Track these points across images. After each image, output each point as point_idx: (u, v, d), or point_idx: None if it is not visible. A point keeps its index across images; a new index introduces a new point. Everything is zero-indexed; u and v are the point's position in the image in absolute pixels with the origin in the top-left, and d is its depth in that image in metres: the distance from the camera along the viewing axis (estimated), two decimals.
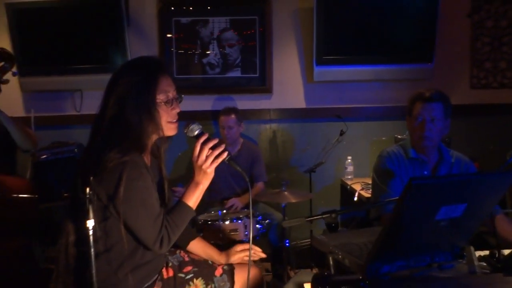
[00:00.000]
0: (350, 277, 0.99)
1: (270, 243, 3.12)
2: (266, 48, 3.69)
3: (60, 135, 3.56)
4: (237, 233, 2.75)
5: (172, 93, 1.56)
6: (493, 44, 3.76)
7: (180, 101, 1.61)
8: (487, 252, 1.37)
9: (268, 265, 3.16)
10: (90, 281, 1.24)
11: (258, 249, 1.86)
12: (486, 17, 3.75)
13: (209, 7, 3.67)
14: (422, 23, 3.49)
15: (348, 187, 3.40)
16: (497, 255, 1.30)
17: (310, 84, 3.75)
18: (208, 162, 1.50)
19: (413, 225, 1.11)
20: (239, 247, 1.82)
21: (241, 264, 1.78)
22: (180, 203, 1.55)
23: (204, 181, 1.55)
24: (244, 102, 3.72)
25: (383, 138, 3.74)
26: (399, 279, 1.15)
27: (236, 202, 3.14)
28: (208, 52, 3.71)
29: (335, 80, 3.66)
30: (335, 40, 3.52)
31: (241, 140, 3.45)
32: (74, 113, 3.71)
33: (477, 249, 1.33)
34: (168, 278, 1.59)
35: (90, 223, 1.22)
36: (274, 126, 3.83)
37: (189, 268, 1.66)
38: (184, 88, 3.77)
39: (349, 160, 3.60)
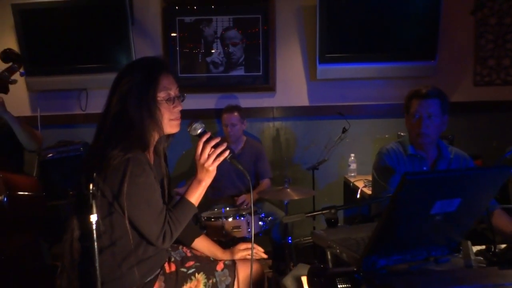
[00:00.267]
0: (345, 269, 1.02)
1: (272, 240, 3.14)
2: (269, 47, 3.71)
3: (66, 134, 3.61)
4: (240, 230, 2.78)
5: (174, 91, 1.59)
6: (496, 41, 3.75)
7: (183, 100, 1.64)
8: (483, 247, 1.38)
9: (269, 262, 3.18)
10: (95, 275, 1.27)
11: (260, 249, 1.89)
12: (490, 14, 3.74)
13: (212, 6, 3.69)
14: (425, 21, 3.48)
15: (351, 184, 3.41)
16: (493, 249, 1.32)
17: (313, 82, 3.77)
18: (210, 160, 1.54)
19: (408, 220, 1.13)
20: (243, 246, 1.86)
21: (242, 259, 1.81)
22: (182, 200, 1.59)
23: (206, 179, 1.58)
24: (247, 100, 3.74)
25: (386, 136, 3.75)
26: (395, 272, 1.17)
27: (247, 198, 3.17)
28: (212, 51, 3.74)
29: (338, 78, 3.67)
30: (338, 38, 3.53)
31: (244, 138, 3.47)
32: (80, 112, 3.76)
33: (476, 244, 1.35)
34: (171, 272, 1.62)
35: (94, 218, 1.25)
36: (277, 124, 3.85)
37: (191, 263, 1.70)
38: (188, 87, 3.82)
39: (352, 158, 3.61)
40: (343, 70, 3.61)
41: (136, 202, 1.46)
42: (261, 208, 3.17)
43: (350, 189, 3.48)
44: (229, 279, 1.67)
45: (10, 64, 2.61)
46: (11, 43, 3.59)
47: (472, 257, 1.25)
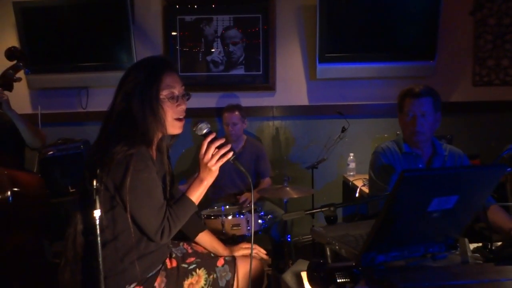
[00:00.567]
0: (344, 264, 1.04)
1: (272, 238, 3.16)
2: (269, 46, 3.73)
3: (67, 132, 3.62)
4: (239, 228, 2.80)
5: (178, 90, 1.62)
6: (495, 42, 3.77)
7: (188, 98, 1.66)
8: (480, 244, 1.40)
9: (269, 260, 3.19)
10: (98, 269, 1.29)
11: (263, 251, 1.92)
12: (489, 15, 3.76)
13: (213, 5, 3.71)
14: (424, 21, 3.51)
15: (350, 183, 3.43)
16: (489, 246, 1.34)
17: (313, 81, 3.79)
18: (214, 160, 1.57)
19: (406, 216, 1.15)
20: (244, 245, 1.90)
21: (243, 256, 1.83)
22: (183, 197, 1.62)
23: (208, 178, 1.61)
24: (247, 100, 3.76)
25: (385, 135, 3.77)
26: (393, 268, 1.19)
27: (249, 197, 3.18)
28: (212, 50, 3.76)
29: (337, 77, 3.70)
30: (338, 38, 3.55)
31: (245, 137, 3.49)
32: (80, 110, 3.78)
33: (472, 242, 1.37)
34: (172, 268, 1.64)
35: (97, 213, 1.28)
36: (277, 123, 3.87)
37: (192, 259, 1.72)
38: (188, 86, 3.78)
39: (351, 157, 3.63)
40: (343, 70, 3.63)
41: (137, 196, 1.48)
42: (262, 206, 3.19)
43: (349, 188, 3.50)
44: (229, 275, 1.69)
45: (14, 62, 2.62)
46: (12, 41, 3.60)
47: (469, 254, 1.27)
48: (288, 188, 2.79)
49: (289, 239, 2.90)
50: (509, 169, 1.56)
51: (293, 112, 3.84)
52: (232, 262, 1.73)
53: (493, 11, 3.75)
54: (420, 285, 1.06)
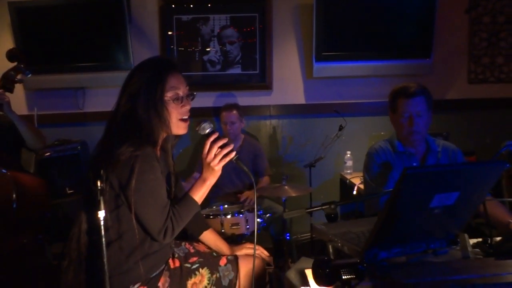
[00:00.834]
0: (349, 260, 1.05)
1: (271, 236, 3.17)
2: (266, 45, 3.73)
3: (64, 133, 3.60)
4: (239, 227, 2.81)
5: (182, 90, 1.62)
6: (490, 39, 3.81)
7: (192, 98, 1.67)
8: (480, 239, 1.42)
9: (270, 259, 3.21)
10: (102, 269, 1.29)
11: (265, 252, 1.93)
12: (484, 13, 3.79)
13: (209, 5, 3.71)
14: (420, 19, 3.53)
15: (347, 181, 3.45)
16: (489, 241, 1.36)
17: (309, 80, 3.80)
18: (217, 160, 1.57)
19: (408, 213, 1.17)
20: (248, 245, 1.92)
21: (245, 255, 1.84)
22: (186, 197, 1.62)
23: (211, 178, 1.61)
24: (244, 99, 3.76)
25: (382, 133, 3.79)
26: (396, 264, 1.20)
27: (249, 196, 3.19)
28: (208, 49, 3.76)
29: (334, 76, 3.71)
30: (334, 37, 3.57)
31: (242, 135, 3.50)
32: (77, 111, 3.76)
33: (472, 237, 1.39)
34: (175, 268, 1.65)
35: (101, 214, 1.28)
36: (274, 122, 3.88)
37: (194, 259, 1.72)
38: None
39: (349, 155, 3.65)
40: (339, 68, 3.65)
41: (142, 197, 1.49)
42: (260, 204, 3.20)
43: (346, 186, 3.52)
44: (232, 274, 1.70)
45: (15, 63, 2.60)
46: (7, 41, 3.58)
47: (469, 249, 1.29)
48: (286, 187, 2.81)
49: (288, 237, 2.92)
50: (507, 165, 1.58)
51: (290, 110, 3.85)
52: (234, 261, 1.74)
53: (487, 9, 3.78)
54: (422, 280, 1.08)
